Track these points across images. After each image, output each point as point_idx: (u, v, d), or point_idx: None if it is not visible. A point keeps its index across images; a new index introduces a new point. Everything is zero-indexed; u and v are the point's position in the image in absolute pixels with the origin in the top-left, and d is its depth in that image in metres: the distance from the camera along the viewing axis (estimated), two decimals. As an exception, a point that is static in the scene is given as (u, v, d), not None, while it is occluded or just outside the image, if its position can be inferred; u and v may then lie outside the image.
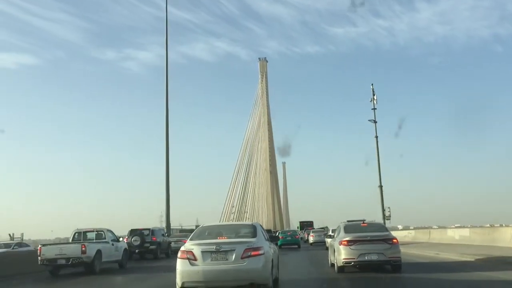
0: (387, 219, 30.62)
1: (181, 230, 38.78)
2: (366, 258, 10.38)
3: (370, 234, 10.76)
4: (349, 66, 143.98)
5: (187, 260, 7.37)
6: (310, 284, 10.23)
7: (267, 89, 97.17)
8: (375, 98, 32.00)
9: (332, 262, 11.95)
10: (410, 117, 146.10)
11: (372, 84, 32.67)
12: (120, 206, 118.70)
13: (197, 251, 7.36)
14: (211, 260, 7.30)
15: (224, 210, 74.12)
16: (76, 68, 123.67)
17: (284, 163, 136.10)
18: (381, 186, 31.12)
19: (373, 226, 11.71)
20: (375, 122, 31.49)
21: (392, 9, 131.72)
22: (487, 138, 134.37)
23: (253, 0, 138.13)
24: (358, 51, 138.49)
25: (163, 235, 21.91)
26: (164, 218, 27.91)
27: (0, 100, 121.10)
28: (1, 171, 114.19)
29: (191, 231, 28.90)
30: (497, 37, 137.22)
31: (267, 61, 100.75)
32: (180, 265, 7.41)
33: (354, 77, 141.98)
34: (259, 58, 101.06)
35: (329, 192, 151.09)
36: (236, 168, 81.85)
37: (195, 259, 7.31)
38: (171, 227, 33.25)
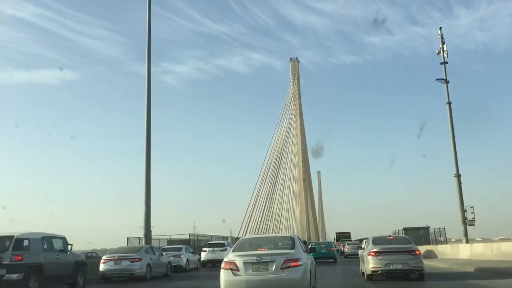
0: (470, 224, 23.28)
1: (170, 241, 31.52)
2: (391, 267, 12.78)
3: (395, 245, 13.17)
4: (384, 74, 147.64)
5: (230, 271, 8.42)
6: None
7: (299, 90, 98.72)
8: (445, 48, 25.38)
9: (362, 271, 14.40)
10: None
11: (440, 29, 26.39)
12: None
13: (239, 262, 8.41)
14: (253, 271, 8.31)
15: (252, 220, 74.66)
16: (115, 81, 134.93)
17: (319, 172, 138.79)
18: (458, 176, 23.39)
19: (398, 239, 14.08)
20: (446, 82, 24.82)
21: (430, 16, 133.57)
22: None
23: (287, 11, 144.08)
24: (394, 59, 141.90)
25: (61, 250, 12.82)
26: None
27: (64, 113, 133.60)
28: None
29: (184, 241, 29.80)
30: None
31: (299, 62, 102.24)
32: (224, 275, 8.47)
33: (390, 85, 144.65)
34: (290, 59, 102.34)
35: (370, 201, 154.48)
36: (262, 175, 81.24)
37: (238, 270, 8.36)
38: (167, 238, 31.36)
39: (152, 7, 24.94)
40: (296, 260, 8.42)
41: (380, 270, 12.88)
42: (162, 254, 19.34)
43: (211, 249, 24.90)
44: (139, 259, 16.51)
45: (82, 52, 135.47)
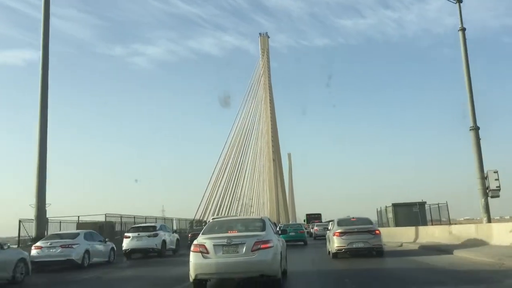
0: (493, 196, 17.72)
1: (79, 225, 23.99)
2: (354, 246, 14.77)
3: (357, 226, 15.15)
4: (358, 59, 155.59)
5: (199, 253, 8.75)
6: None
7: (269, 67, 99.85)
8: None
9: (329, 250, 16.37)
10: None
11: None
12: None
13: (209, 244, 8.75)
14: (223, 253, 8.66)
15: (215, 201, 72.47)
16: (84, 64, 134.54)
17: (289, 154, 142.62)
18: (476, 129, 18.71)
19: (361, 220, 16.02)
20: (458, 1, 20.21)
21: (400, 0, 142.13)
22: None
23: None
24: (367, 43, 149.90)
25: None
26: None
27: (10, 96, 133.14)
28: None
29: (96, 225, 21.42)
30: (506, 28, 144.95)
31: (268, 37, 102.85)
32: (193, 258, 8.78)
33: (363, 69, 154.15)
34: (259, 33, 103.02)
35: (342, 183, 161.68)
36: (225, 154, 79.58)
37: (208, 252, 8.70)
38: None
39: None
40: (267, 242, 8.82)
41: (344, 249, 14.83)
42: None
43: (136, 234, 20.44)
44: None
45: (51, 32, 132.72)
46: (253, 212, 78.19)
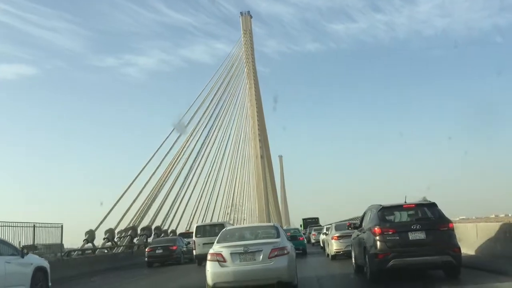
0: None
1: None
2: (350, 248, 19.57)
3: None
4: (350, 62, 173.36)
5: (216, 262, 10.02)
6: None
7: (253, 52, 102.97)
8: None
9: (327, 253, 21.27)
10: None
11: None
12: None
13: (226, 253, 10.00)
14: (240, 261, 9.91)
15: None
16: (76, 76, 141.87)
17: (281, 157, 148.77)
18: None
19: (356, 225, 20.89)
20: None
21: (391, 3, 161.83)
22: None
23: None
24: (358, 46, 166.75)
25: None
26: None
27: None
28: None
29: None
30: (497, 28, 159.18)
31: (251, 16, 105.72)
32: (211, 266, 10.07)
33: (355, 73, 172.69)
34: (241, 13, 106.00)
35: (339, 186, 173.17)
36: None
37: (225, 261, 9.94)
38: None
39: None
40: (283, 248, 10.23)
41: (342, 251, 19.72)
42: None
43: None
44: None
45: (40, 45, 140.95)
46: (234, 218, 76.68)
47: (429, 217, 11.76)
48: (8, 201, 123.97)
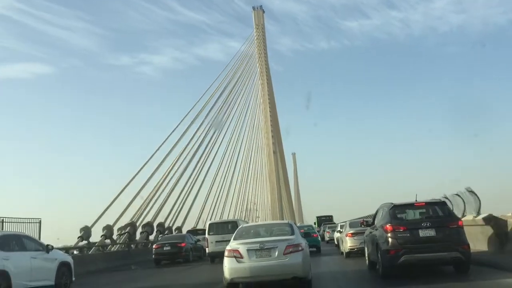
0: None
1: None
2: (364, 245, 20.21)
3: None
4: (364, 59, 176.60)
5: (234, 258, 10.74)
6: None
7: (265, 47, 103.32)
8: None
9: (342, 250, 21.96)
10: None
11: None
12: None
13: (242, 249, 10.72)
14: (256, 257, 10.62)
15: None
16: (91, 75, 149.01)
17: (294, 154, 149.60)
18: None
19: (370, 222, 21.55)
20: None
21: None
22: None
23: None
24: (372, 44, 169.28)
25: None
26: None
27: (18, 109, 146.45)
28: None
29: None
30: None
31: (263, 11, 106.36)
32: (228, 262, 10.81)
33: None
34: (253, 7, 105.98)
35: (352, 184, 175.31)
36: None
37: (242, 257, 10.67)
38: None
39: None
40: (297, 245, 10.88)
41: (356, 248, 20.38)
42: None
43: None
44: None
45: (55, 44, 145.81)
46: (258, 217, 79.97)
47: (439, 215, 12.40)
48: (12, 196, 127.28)
